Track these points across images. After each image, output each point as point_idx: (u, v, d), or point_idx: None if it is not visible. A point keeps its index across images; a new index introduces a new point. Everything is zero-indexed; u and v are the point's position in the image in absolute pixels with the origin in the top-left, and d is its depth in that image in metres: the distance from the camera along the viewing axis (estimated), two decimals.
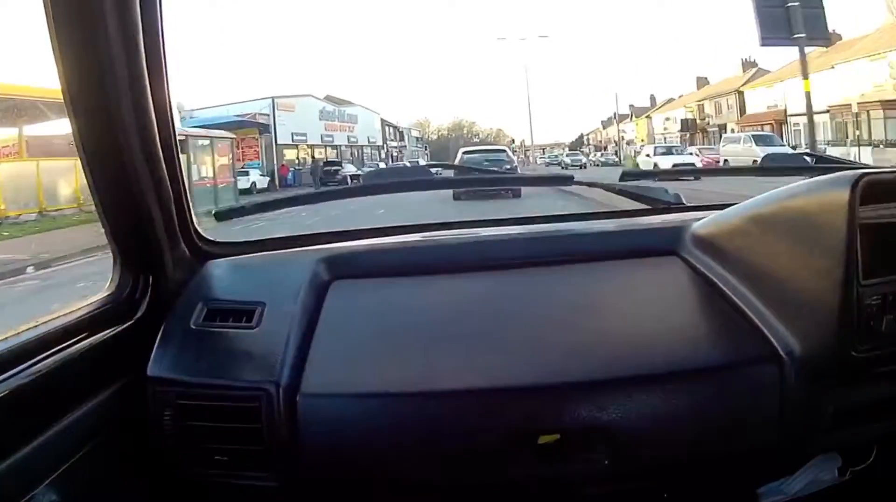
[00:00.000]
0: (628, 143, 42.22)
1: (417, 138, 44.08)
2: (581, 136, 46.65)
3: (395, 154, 39.58)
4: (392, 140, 41.20)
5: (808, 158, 1.83)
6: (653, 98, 42.73)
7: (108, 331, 1.36)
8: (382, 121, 39.36)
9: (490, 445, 1.27)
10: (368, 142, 37.10)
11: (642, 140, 39.66)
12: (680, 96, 40.04)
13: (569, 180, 1.95)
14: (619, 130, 43.74)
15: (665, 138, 37.01)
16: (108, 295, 1.44)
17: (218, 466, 1.32)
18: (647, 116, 42.35)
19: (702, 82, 38.57)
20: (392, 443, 1.28)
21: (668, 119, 40.12)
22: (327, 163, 28.35)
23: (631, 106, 43.72)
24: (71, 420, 1.19)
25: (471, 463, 1.29)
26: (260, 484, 1.32)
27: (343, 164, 27.89)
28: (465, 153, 15.96)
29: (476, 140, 41.62)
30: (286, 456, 1.29)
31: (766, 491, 1.63)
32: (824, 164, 1.83)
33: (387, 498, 1.40)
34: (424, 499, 1.39)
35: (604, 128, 47.54)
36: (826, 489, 1.64)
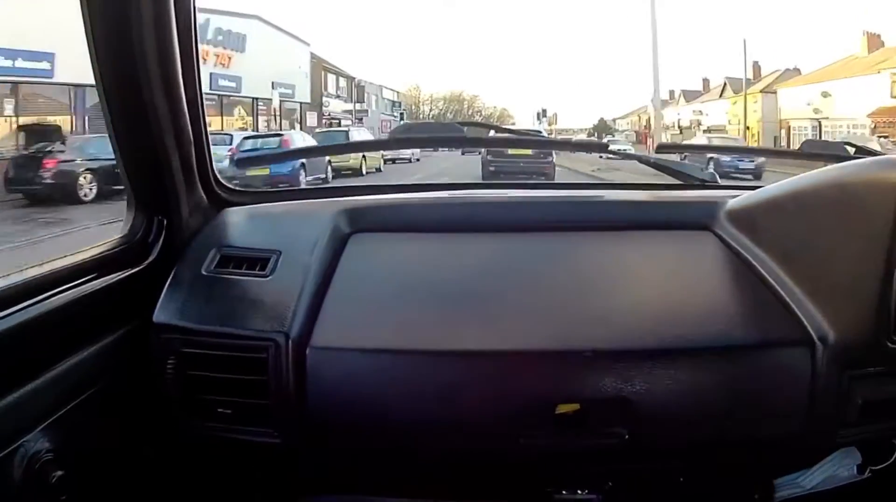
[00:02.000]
0: (708, 131, 29.30)
1: (394, 103, 33.05)
2: (602, 122, 37.46)
3: (342, 122, 24.99)
4: (338, 97, 27.37)
5: (848, 147, 1.76)
6: (757, 67, 27.85)
7: (117, 274, 1.33)
8: (323, 66, 25.69)
9: (505, 410, 1.23)
10: (278, 93, 21.32)
11: (746, 128, 27.06)
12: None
13: (604, 146, 1.90)
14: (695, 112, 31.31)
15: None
16: (121, 237, 1.41)
17: (220, 419, 1.29)
18: (766, 90, 26.65)
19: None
20: (402, 403, 1.25)
21: (826, 95, 23.04)
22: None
23: (672, 92, 33.08)
24: (70, 364, 1.16)
25: (484, 429, 1.25)
26: (262, 439, 1.29)
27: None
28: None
29: (479, 117, 36.07)
30: (291, 411, 1.25)
31: (783, 483, 1.59)
32: (865, 154, 1.78)
33: (392, 460, 1.36)
34: (431, 464, 1.36)
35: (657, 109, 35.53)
36: (844, 485, 1.60)
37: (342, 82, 28.00)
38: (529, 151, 9.82)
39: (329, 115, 25.57)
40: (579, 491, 1.43)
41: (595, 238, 1.50)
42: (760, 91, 26.90)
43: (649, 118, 32.96)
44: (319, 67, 25.43)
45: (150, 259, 1.41)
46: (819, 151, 1.80)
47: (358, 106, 27.80)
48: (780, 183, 1.41)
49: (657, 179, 1.85)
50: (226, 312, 1.33)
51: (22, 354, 1.06)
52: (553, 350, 1.24)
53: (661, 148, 1.78)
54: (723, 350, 1.26)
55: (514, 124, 30.71)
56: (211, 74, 17.24)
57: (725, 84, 29.17)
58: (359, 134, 16.57)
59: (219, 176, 1.58)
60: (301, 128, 20.12)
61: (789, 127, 24.95)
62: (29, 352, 1.08)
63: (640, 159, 1.83)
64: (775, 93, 26.48)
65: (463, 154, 12.90)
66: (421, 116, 34.66)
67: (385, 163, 16.02)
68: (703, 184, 1.75)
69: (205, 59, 12.73)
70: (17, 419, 1.03)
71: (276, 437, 1.28)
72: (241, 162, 1.68)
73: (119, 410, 1.28)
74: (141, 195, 1.43)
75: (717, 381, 1.26)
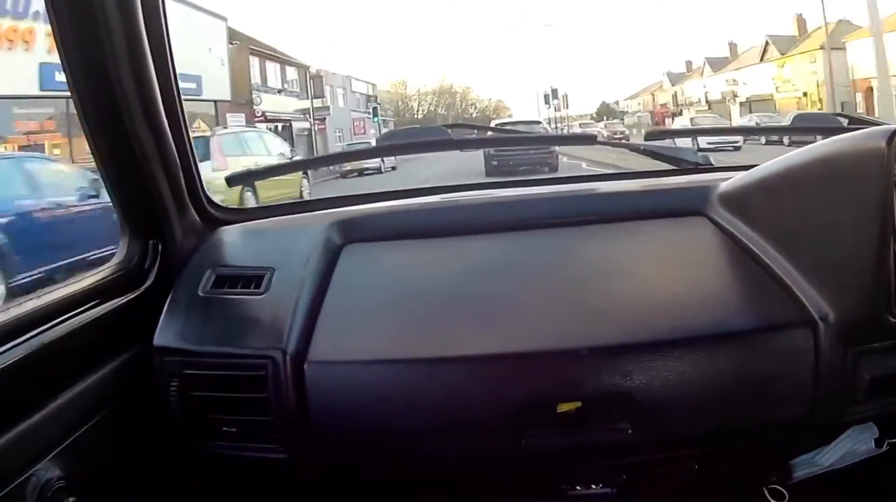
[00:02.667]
0: (748, 103, 24.94)
1: (368, 97, 27.28)
2: (605, 105, 34.60)
3: (292, 124, 20.24)
4: (283, 92, 21.04)
5: (841, 119, 1.74)
6: (802, 21, 23.09)
7: (116, 300, 1.34)
8: (253, 50, 19.54)
9: (507, 413, 1.22)
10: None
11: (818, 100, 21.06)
12: None
13: (592, 139, 1.89)
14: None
15: None
16: (118, 264, 1.42)
17: (225, 438, 1.30)
18: (834, 48, 20.87)
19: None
20: (403, 412, 1.24)
21: None
22: None
23: (689, 63, 29.51)
24: (76, 392, 1.17)
25: (487, 433, 1.24)
26: (268, 455, 1.29)
27: None
28: (497, 125, 16.11)
29: (472, 111, 33.90)
30: (294, 426, 1.25)
31: (800, 462, 1.57)
32: (859, 125, 1.76)
33: (398, 469, 1.36)
34: (437, 470, 1.35)
35: (673, 83, 31.32)
36: (862, 461, 1.58)
37: (291, 73, 21.82)
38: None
39: (264, 114, 19.03)
40: (594, 486, 1.42)
41: (589, 232, 1.49)
42: (820, 47, 21.79)
43: (674, 95, 30.77)
44: (246, 51, 18.80)
45: (148, 283, 1.42)
46: (812, 125, 1.78)
47: (317, 102, 21.65)
48: (771, 162, 1.39)
49: (654, 165, 1.83)
50: (224, 332, 1.33)
51: (28, 385, 1.07)
52: (550, 350, 1.23)
53: (650, 135, 1.77)
54: (723, 336, 1.24)
55: (510, 116, 29.40)
56: (43, 66, 10.39)
57: (767, 44, 24.64)
58: (235, 142, 11.24)
59: (210, 195, 1.58)
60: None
61: (869, 87, 19.46)
62: (35, 382, 1.09)
63: (630, 147, 1.82)
64: (843, 48, 21.18)
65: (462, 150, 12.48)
66: (409, 114, 31.72)
67: (346, 176, 14.12)
68: (697, 168, 1.74)
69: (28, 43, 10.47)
70: (27, 448, 1.04)
71: (282, 452, 1.28)
72: (232, 180, 1.67)
73: (126, 434, 1.29)
74: (134, 221, 1.44)
75: (719, 368, 1.24)
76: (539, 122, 17.23)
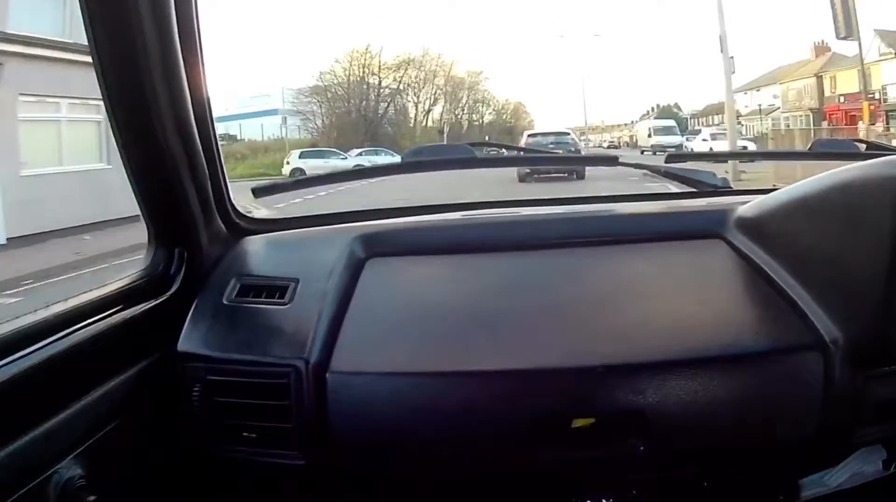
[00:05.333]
0: None
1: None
2: (667, 108, 27.76)
3: None
4: None
5: (859, 145, 1.76)
6: None
7: (141, 305, 1.37)
8: None
9: (522, 427, 1.25)
10: None
11: None
12: None
13: (614, 160, 1.92)
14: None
15: None
16: (143, 270, 1.45)
17: (246, 443, 1.32)
18: None
19: None
20: (421, 423, 1.27)
21: None
22: None
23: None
24: (99, 394, 1.20)
25: (502, 446, 1.27)
26: (288, 462, 1.32)
27: None
28: (529, 136, 17.01)
29: (485, 111, 28.47)
30: (314, 434, 1.28)
31: (808, 482, 1.58)
32: (876, 151, 1.78)
33: (415, 479, 1.39)
34: (453, 481, 1.38)
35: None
36: (870, 482, 1.59)
37: None
38: (561, 151, 9.89)
39: None
40: (603, 501, 1.44)
41: (606, 253, 1.51)
42: None
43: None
44: None
45: (173, 290, 1.45)
46: (830, 150, 1.80)
47: None
48: (789, 187, 1.41)
49: (674, 186, 1.86)
50: (247, 340, 1.36)
51: (53, 386, 1.10)
52: (567, 367, 1.26)
53: (671, 158, 1.80)
54: (735, 358, 1.27)
55: (531, 122, 27.54)
56: None
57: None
58: None
59: (236, 205, 1.61)
60: None
61: None
62: (59, 383, 1.12)
63: (651, 169, 1.85)
64: None
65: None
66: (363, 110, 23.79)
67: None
68: (716, 191, 1.76)
69: None
70: (51, 447, 1.07)
71: (301, 459, 1.31)
72: (258, 191, 1.70)
73: (147, 436, 1.32)
74: (161, 229, 1.46)
75: (731, 389, 1.26)
76: (568, 134, 17.32)
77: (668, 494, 1.49)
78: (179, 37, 1.30)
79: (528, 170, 10.53)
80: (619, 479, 1.40)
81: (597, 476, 1.36)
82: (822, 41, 20.11)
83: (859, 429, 1.32)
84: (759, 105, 21.27)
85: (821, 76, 19.51)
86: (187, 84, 1.35)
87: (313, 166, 18.44)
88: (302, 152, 20.72)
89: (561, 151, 9.75)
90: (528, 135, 16.89)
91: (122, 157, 1.36)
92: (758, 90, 20.53)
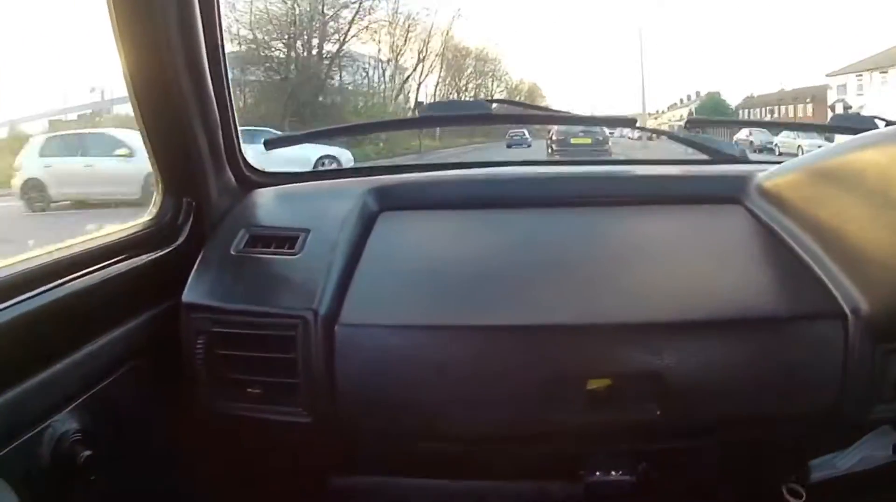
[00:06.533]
0: None
1: None
2: (714, 97, 19.95)
3: None
4: None
5: (879, 122, 1.72)
6: None
7: (146, 255, 1.34)
8: None
9: (535, 386, 1.22)
10: None
11: None
12: None
13: (632, 122, 1.89)
14: None
15: None
16: (150, 219, 1.42)
17: (250, 399, 1.29)
18: None
19: None
20: (431, 379, 1.24)
21: None
22: None
23: None
24: (99, 345, 1.16)
25: (514, 405, 1.24)
26: (291, 418, 1.29)
27: None
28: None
29: (496, 88, 28.32)
30: (320, 389, 1.25)
31: (818, 464, 1.57)
32: None
33: (422, 436, 1.36)
34: (462, 440, 1.35)
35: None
36: (879, 466, 1.58)
37: None
38: (590, 140, 9.80)
39: None
40: (612, 473, 1.42)
41: (625, 212, 1.49)
42: None
43: None
44: None
45: (180, 240, 1.42)
46: (850, 125, 1.77)
47: None
48: (809, 154, 1.40)
49: (692, 155, 1.83)
50: (255, 291, 1.33)
51: (51, 334, 1.07)
52: (582, 324, 1.23)
53: (691, 122, 1.77)
54: (753, 322, 1.25)
55: (547, 105, 27.41)
56: None
57: None
58: None
59: (247, 158, 1.58)
60: None
61: None
62: (58, 332, 1.08)
63: (669, 135, 1.82)
64: None
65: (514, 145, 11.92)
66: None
67: None
68: (734, 160, 1.75)
69: None
70: (45, 399, 1.03)
71: (306, 416, 1.28)
72: (268, 143, 1.67)
73: (147, 391, 1.29)
74: (170, 178, 1.43)
75: (748, 353, 1.24)
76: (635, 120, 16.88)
77: (678, 467, 1.47)
78: None
79: (555, 148, 10.62)
80: (631, 447, 1.38)
81: (611, 441, 1.34)
82: None
83: (877, 405, 1.29)
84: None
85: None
86: (202, 30, 1.32)
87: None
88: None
89: (589, 140, 9.79)
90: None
91: (132, 103, 1.33)
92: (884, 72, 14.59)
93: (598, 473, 1.40)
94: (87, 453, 1.06)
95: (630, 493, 1.41)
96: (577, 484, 1.41)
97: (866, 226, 1.23)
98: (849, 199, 1.26)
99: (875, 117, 1.69)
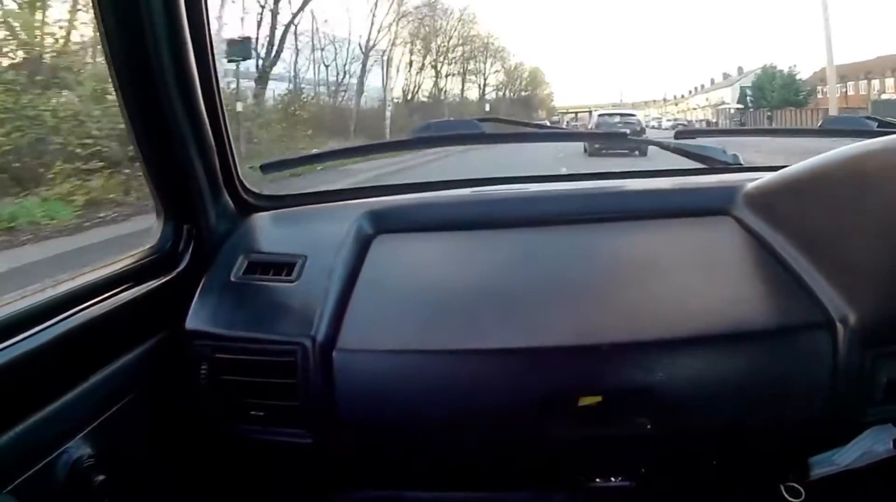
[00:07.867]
0: None
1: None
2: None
3: None
4: None
5: (870, 122, 1.74)
6: None
7: (149, 283, 1.36)
8: None
9: (529, 405, 1.25)
10: None
11: None
12: None
13: (624, 135, 1.91)
14: None
15: None
16: (151, 247, 1.44)
17: (253, 422, 1.32)
18: None
19: None
20: (428, 401, 1.27)
21: None
22: None
23: None
24: (108, 372, 1.19)
25: (509, 423, 1.27)
26: (295, 440, 1.32)
27: None
28: (599, 115, 17.17)
29: (495, 71, 23.98)
30: (321, 411, 1.28)
31: (818, 460, 1.58)
32: (888, 129, 1.76)
33: (421, 457, 1.39)
34: (460, 458, 1.38)
35: None
36: (880, 461, 1.59)
37: None
38: (627, 131, 10.10)
39: None
40: (613, 479, 1.44)
41: (615, 229, 1.51)
42: None
43: None
44: None
45: (181, 267, 1.44)
46: (841, 127, 1.78)
47: None
48: (798, 164, 1.40)
49: (685, 163, 1.85)
50: (255, 318, 1.36)
51: (62, 364, 1.10)
52: (574, 345, 1.25)
53: (680, 134, 1.78)
54: (743, 335, 1.26)
55: (550, 93, 24.62)
56: None
57: None
58: None
59: (245, 181, 1.60)
60: None
61: None
62: (68, 362, 1.11)
63: (661, 145, 1.83)
64: None
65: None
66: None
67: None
68: (727, 168, 1.75)
69: None
70: (59, 426, 1.06)
71: (308, 437, 1.31)
72: (266, 167, 1.69)
73: (156, 415, 1.32)
74: (169, 205, 1.45)
75: (739, 367, 1.26)
76: (634, 115, 17.66)
77: (678, 472, 1.49)
78: (186, 8, 1.29)
79: (597, 146, 11.25)
80: (629, 458, 1.39)
81: (607, 454, 1.36)
82: None
83: (869, 408, 1.31)
84: None
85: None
86: (194, 58, 1.34)
87: None
88: None
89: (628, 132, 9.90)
90: (599, 115, 17.08)
91: (128, 132, 1.34)
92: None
93: (598, 480, 1.42)
94: (101, 477, 1.09)
95: (630, 498, 1.42)
96: (578, 491, 1.43)
97: (851, 236, 1.25)
98: (836, 208, 1.28)
99: (868, 118, 1.70)
